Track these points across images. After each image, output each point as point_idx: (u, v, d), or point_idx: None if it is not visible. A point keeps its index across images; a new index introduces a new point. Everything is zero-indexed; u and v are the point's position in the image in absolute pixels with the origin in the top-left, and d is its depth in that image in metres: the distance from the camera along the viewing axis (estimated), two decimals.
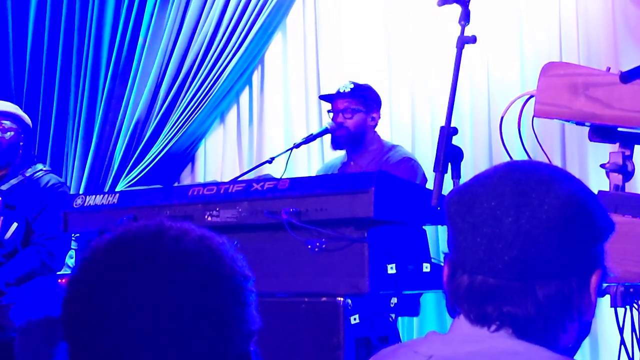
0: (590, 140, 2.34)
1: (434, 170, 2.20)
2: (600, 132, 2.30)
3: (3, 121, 3.74)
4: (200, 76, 4.76)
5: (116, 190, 4.37)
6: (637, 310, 2.27)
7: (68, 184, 4.85)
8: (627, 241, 2.04)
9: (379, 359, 1.22)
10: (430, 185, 2.50)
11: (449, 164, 2.22)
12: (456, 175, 2.25)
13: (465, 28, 2.28)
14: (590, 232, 1.11)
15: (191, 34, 4.86)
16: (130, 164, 4.84)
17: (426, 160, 3.77)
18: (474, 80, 4.18)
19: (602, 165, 2.28)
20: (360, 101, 3.70)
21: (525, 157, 2.46)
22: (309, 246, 2.51)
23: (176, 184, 4.74)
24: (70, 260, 3.91)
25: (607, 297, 2.25)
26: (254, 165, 4.06)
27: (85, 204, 3.02)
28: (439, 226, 3.69)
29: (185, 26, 4.88)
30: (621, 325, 2.26)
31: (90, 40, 5.15)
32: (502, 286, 1.09)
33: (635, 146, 2.30)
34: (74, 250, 3.88)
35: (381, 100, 3.82)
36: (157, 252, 0.98)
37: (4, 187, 3.73)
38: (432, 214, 2.54)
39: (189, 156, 4.92)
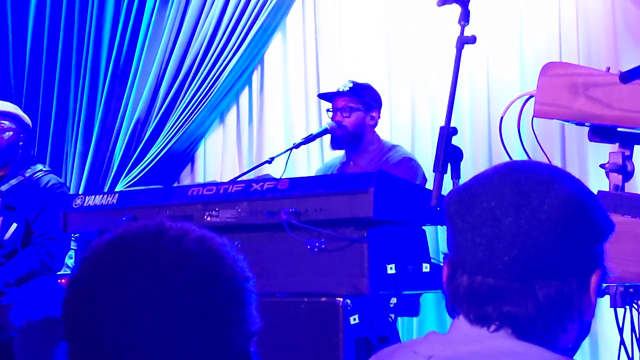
0: (590, 141, 2.34)
1: (433, 171, 2.20)
2: (600, 132, 2.30)
3: (2, 121, 3.73)
4: (200, 76, 4.76)
5: (116, 190, 4.37)
6: (637, 310, 2.27)
7: (67, 184, 4.85)
8: (626, 241, 2.04)
9: (378, 359, 1.22)
10: (430, 185, 2.50)
11: (449, 164, 2.22)
12: (456, 175, 2.25)
13: (465, 28, 2.28)
14: (590, 232, 1.11)
15: (191, 34, 4.86)
16: (130, 164, 4.84)
17: (426, 161, 3.77)
18: (473, 81, 4.18)
19: (602, 166, 2.28)
20: (359, 100, 3.70)
21: (525, 157, 2.46)
22: (309, 246, 2.51)
23: (176, 184, 4.74)
24: (70, 261, 3.91)
25: (607, 298, 2.25)
26: (253, 166, 4.06)
27: (84, 204, 3.02)
28: (439, 226, 3.69)
29: (185, 26, 4.88)
30: (621, 326, 2.27)
31: (90, 40, 5.16)
32: (502, 286, 1.09)
33: (635, 146, 2.30)
34: (73, 251, 3.88)
35: (381, 100, 3.82)
36: (157, 252, 0.98)
37: (4, 188, 3.73)
38: (432, 214, 2.54)
39: (188, 156, 4.92)
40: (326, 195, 2.50)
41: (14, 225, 3.66)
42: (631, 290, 2.22)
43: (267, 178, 2.77)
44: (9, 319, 3.49)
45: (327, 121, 3.80)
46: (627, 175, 2.26)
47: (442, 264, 1.33)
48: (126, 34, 5.05)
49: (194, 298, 0.96)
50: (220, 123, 4.89)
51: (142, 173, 4.77)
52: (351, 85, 3.71)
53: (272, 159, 3.58)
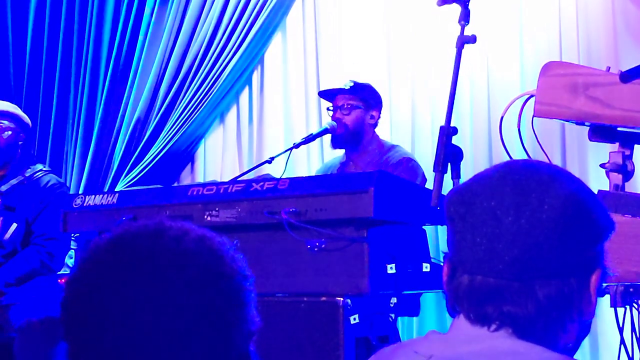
0: (590, 140, 2.34)
1: (433, 170, 2.20)
2: (600, 132, 2.30)
3: (1, 120, 3.73)
4: (200, 76, 4.76)
5: (116, 190, 4.37)
6: (637, 310, 2.27)
7: (67, 183, 4.85)
8: (627, 241, 2.04)
9: (378, 358, 1.22)
10: (430, 185, 2.50)
11: (449, 163, 2.22)
12: (456, 175, 2.25)
13: (465, 28, 2.28)
14: (590, 231, 1.11)
15: (191, 34, 4.86)
16: (130, 163, 4.84)
17: (426, 160, 3.77)
18: (474, 80, 4.18)
19: (602, 165, 2.28)
20: (360, 98, 3.71)
21: (525, 157, 2.46)
22: (309, 246, 2.51)
23: (176, 184, 4.74)
24: (70, 260, 3.91)
25: (607, 297, 2.25)
26: (253, 165, 4.06)
27: (84, 204, 3.02)
28: (439, 226, 3.69)
29: (185, 26, 4.88)
30: (621, 325, 2.26)
31: (90, 40, 5.16)
32: (502, 286, 1.09)
33: (635, 146, 2.30)
34: (73, 250, 3.88)
35: (382, 101, 3.82)
36: (157, 252, 0.98)
37: (4, 188, 3.73)
38: (432, 213, 2.54)
39: (188, 156, 4.92)
40: (326, 195, 2.50)
41: (14, 225, 3.66)
42: (631, 289, 2.22)
43: (267, 178, 2.77)
44: (9, 319, 3.49)
45: (327, 121, 3.80)
46: (627, 174, 2.26)
47: (442, 264, 1.33)
48: (126, 34, 5.05)
49: (194, 298, 0.96)
50: (220, 123, 4.89)
51: (142, 173, 4.77)
52: (352, 84, 3.73)
53: (272, 158, 3.58)
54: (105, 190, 4.72)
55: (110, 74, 5.05)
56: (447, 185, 2.13)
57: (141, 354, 0.94)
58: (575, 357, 1.17)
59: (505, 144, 2.40)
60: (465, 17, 2.28)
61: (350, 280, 2.47)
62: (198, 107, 4.74)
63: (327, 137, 3.80)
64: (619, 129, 2.28)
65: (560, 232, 1.08)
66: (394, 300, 2.57)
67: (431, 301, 4.05)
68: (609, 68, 2.28)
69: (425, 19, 4.30)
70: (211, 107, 4.78)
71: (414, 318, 4.03)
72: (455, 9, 2.31)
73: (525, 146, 2.43)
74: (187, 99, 4.76)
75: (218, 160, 4.87)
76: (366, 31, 4.48)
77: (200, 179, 4.85)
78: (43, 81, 5.29)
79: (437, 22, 4.18)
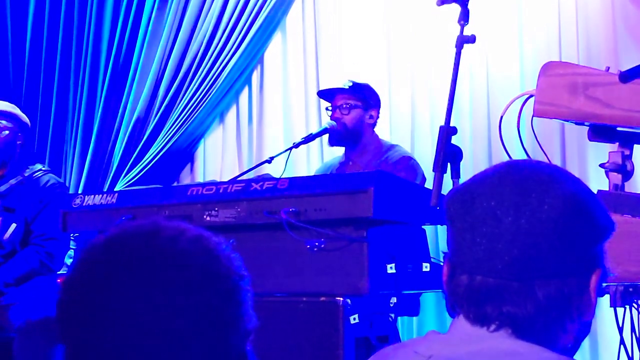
0: (590, 140, 2.34)
1: (433, 170, 2.20)
2: (600, 132, 2.30)
3: None
4: (200, 76, 4.76)
5: (115, 190, 4.37)
6: (637, 309, 2.27)
7: (67, 183, 4.85)
8: (626, 241, 2.04)
9: (378, 358, 1.22)
10: (429, 184, 2.49)
11: (449, 163, 2.22)
12: (455, 174, 2.25)
13: (465, 28, 2.28)
14: (590, 231, 1.11)
15: (190, 33, 4.86)
16: (129, 163, 4.84)
17: (426, 160, 3.77)
18: (473, 80, 4.18)
19: (602, 165, 2.28)
20: (359, 97, 3.71)
21: (525, 157, 2.46)
22: (308, 246, 2.51)
23: (175, 184, 4.74)
24: (69, 260, 3.91)
25: (607, 297, 2.25)
26: (253, 165, 4.06)
27: (84, 204, 3.02)
28: (439, 226, 3.69)
29: (184, 25, 4.88)
30: (621, 325, 2.26)
31: (89, 39, 5.15)
32: (502, 286, 1.09)
33: (635, 146, 2.30)
34: (73, 250, 3.88)
35: (380, 101, 3.82)
36: (152, 252, 0.97)
37: (3, 188, 3.72)
38: (432, 213, 2.54)
39: (188, 156, 4.92)
40: (326, 195, 2.50)
41: (13, 226, 3.66)
42: (631, 289, 2.22)
43: (266, 178, 2.77)
44: (9, 319, 3.49)
45: (327, 120, 3.80)
46: (627, 174, 2.26)
47: (442, 264, 1.33)
48: (125, 33, 5.04)
49: (190, 298, 0.95)
50: (220, 122, 4.89)
51: (142, 172, 4.77)
52: (351, 83, 3.73)
53: (272, 158, 3.57)
54: (105, 190, 4.72)
55: (110, 74, 5.05)
56: (447, 185, 2.13)
57: (137, 354, 0.94)
58: (575, 357, 1.17)
59: (505, 143, 2.40)
60: (464, 17, 2.28)
61: (350, 280, 2.47)
62: (198, 107, 4.74)
63: (327, 137, 3.80)
64: (618, 128, 2.28)
65: (560, 232, 1.08)
66: (393, 300, 2.56)
67: (431, 301, 4.05)
68: (608, 68, 2.28)
69: (424, 19, 4.30)
70: (211, 107, 4.78)
71: (414, 318, 4.03)
72: (455, 8, 2.31)
73: (525, 146, 2.43)
74: (186, 98, 4.76)
75: (218, 160, 4.86)
76: (366, 31, 4.48)
77: (199, 178, 4.85)
78: (42, 81, 5.29)
79: (436, 22, 4.18)
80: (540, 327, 1.09)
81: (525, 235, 1.08)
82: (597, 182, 3.06)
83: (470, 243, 1.11)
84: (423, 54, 4.32)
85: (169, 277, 0.96)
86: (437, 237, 3.97)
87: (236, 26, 4.68)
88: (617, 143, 2.29)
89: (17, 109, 3.87)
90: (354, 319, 2.45)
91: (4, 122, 3.74)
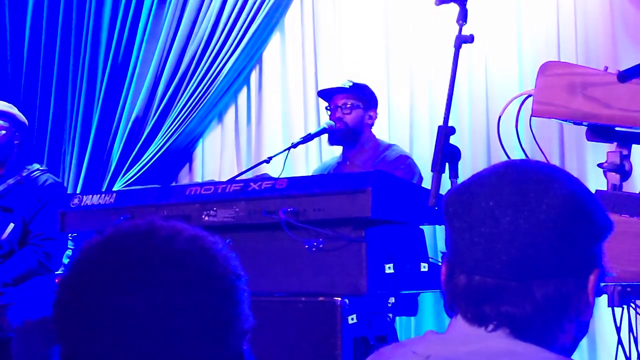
0: (588, 140, 2.34)
1: (431, 170, 2.20)
2: (598, 132, 2.30)
3: None
4: (198, 76, 4.75)
5: (113, 189, 4.37)
6: (635, 309, 2.27)
7: (65, 183, 4.85)
8: (624, 241, 2.04)
9: (376, 358, 1.21)
10: (427, 184, 2.49)
11: (447, 163, 2.22)
12: (454, 174, 2.25)
13: (463, 27, 2.28)
14: (588, 231, 1.11)
15: (189, 33, 4.86)
16: (128, 163, 4.84)
17: (424, 160, 3.77)
18: (472, 80, 4.18)
19: (600, 165, 2.28)
20: (359, 97, 3.72)
21: (523, 157, 2.46)
22: (307, 246, 2.51)
23: (174, 184, 4.73)
24: (67, 260, 3.90)
25: (605, 297, 2.25)
26: (251, 165, 4.05)
27: (82, 204, 3.01)
28: (437, 226, 3.69)
29: (182, 25, 4.87)
30: (618, 325, 2.27)
31: (88, 39, 5.15)
32: (500, 286, 1.09)
33: (633, 146, 2.30)
34: (71, 250, 3.88)
35: (378, 100, 3.83)
36: (148, 252, 0.97)
37: (0, 188, 3.72)
38: (430, 213, 2.54)
39: (186, 156, 4.92)
40: (324, 195, 2.50)
41: (11, 226, 3.65)
42: (629, 289, 2.22)
43: (265, 177, 2.77)
44: (7, 319, 3.48)
45: (325, 120, 3.80)
46: (625, 174, 2.26)
47: (440, 264, 1.33)
48: (124, 33, 5.04)
49: (188, 298, 0.95)
50: (218, 122, 4.89)
51: (140, 172, 4.77)
52: (351, 83, 3.74)
53: (270, 158, 3.57)
54: (103, 190, 4.72)
55: (108, 73, 5.05)
56: (445, 185, 2.13)
57: (133, 354, 0.94)
58: (573, 357, 1.17)
59: (503, 143, 2.40)
60: (463, 17, 2.28)
61: (348, 280, 2.47)
62: (196, 107, 4.73)
63: (325, 137, 3.80)
64: (616, 128, 2.28)
65: (559, 232, 1.08)
66: (391, 300, 2.56)
67: (429, 301, 4.05)
68: (606, 68, 2.28)
69: (423, 19, 4.30)
70: (209, 107, 4.77)
71: (412, 318, 4.03)
72: (453, 8, 2.31)
73: (523, 146, 2.43)
74: (185, 98, 4.76)
75: (216, 159, 4.86)
76: (365, 31, 4.48)
77: (198, 178, 4.85)
78: (41, 80, 5.29)
79: (435, 22, 4.18)
80: (539, 327, 1.09)
81: (523, 235, 1.08)
82: (596, 182, 3.06)
83: (469, 243, 1.11)
84: (422, 54, 4.32)
85: (166, 277, 0.96)
86: (435, 237, 3.97)
87: (235, 26, 4.68)
88: (615, 143, 2.29)
89: (15, 108, 3.87)
90: (352, 318, 2.45)
91: (1, 121, 3.74)
